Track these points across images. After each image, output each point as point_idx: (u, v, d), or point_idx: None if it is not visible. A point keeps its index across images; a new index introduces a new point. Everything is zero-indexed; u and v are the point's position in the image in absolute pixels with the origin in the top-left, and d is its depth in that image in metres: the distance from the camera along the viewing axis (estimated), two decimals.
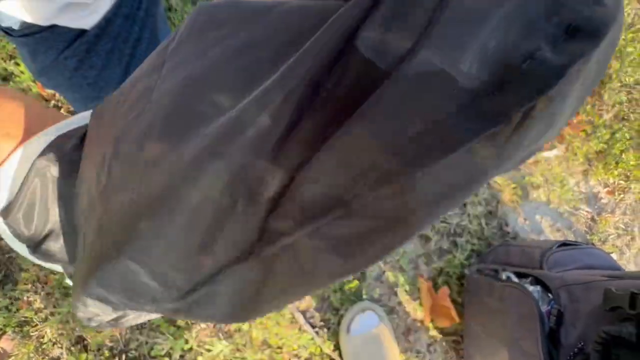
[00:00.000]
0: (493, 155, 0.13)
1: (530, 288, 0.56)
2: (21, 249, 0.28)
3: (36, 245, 0.28)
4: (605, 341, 0.45)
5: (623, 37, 0.87)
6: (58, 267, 0.31)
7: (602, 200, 0.85)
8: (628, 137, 0.84)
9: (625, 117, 0.86)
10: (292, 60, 0.14)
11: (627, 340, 0.43)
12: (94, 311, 0.27)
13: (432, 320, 0.78)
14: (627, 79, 0.86)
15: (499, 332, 0.62)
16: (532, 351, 0.53)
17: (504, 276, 0.62)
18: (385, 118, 0.13)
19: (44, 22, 0.42)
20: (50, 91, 0.79)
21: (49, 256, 0.29)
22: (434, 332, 0.79)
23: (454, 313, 0.75)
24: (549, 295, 0.56)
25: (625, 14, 0.87)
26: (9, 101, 0.24)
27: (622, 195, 0.84)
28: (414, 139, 0.12)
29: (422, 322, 0.79)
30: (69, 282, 0.29)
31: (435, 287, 0.79)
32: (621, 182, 0.84)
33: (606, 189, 0.85)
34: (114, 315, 0.31)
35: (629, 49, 0.86)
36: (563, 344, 0.52)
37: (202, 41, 0.17)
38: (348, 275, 0.15)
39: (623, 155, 0.83)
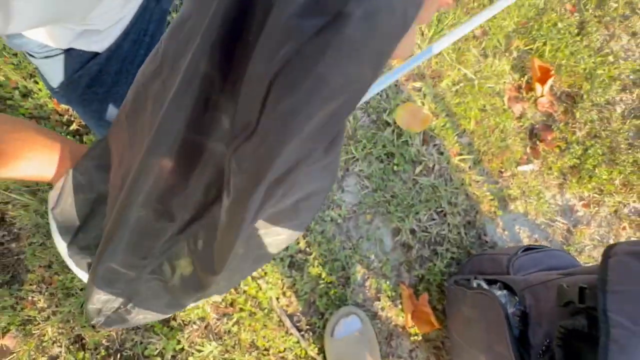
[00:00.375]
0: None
1: (498, 293, 0.60)
2: (61, 248, 0.35)
3: (73, 236, 0.35)
4: (564, 336, 0.49)
5: (593, 60, 0.93)
6: (84, 275, 0.37)
7: (578, 213, 0.89)
8: (600, 153, 0.89)
9: (597, 135, 0.91)
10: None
11: (582, 332, 0.47)
12: (104, 298, 0.33)
13: (413, 326, 0.81)
14: (598, 99, 0.91)
15: (475, 339, 0.65)
16: (505, 354, 0.57)
17: (475, 284, 0.66)
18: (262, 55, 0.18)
19: (63, 46, 0.50)
20: (64, 106, 0.87)
21: (83, 248, 0.36)
22: (415, 338, 0.81)
23: (433, 319, 0.79)
24: (516, 297, 0.60)
25: (595, 39, 0.94)
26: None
27: (597, 208, 0.88)
28: (280, 59, 0.17)
29: (403, 327, 0.82)
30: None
31: (417, 293, 0.82)
32: (596, 195, 0.88)
33: (582, 202, 0.89)
34: (119, 302, 0.36)
35: (599, 72, 0.92)
36: (532, 344, 0.55)
37: None
38: (254, 190, 0.20)
39: (596, 170, 0.88)
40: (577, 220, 0.88)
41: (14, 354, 0.79)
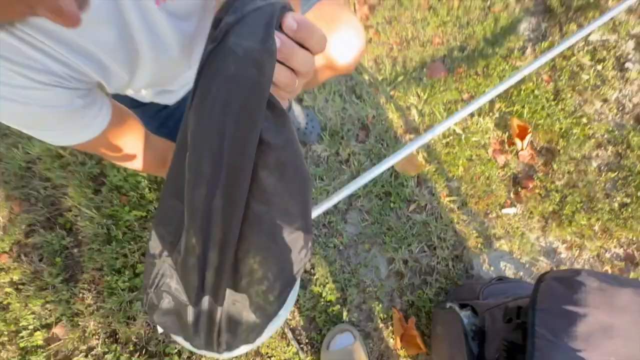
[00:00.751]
0: None
1: (462, 313, 0.70)
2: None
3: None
4: (507, 348, 0.58)
5: (568, 121, 1.07)
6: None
7: (561, 255, 0.97)
8: (578, 201, 0.98)
9: (575, 185, 1.01)
10: None
11: (518, 345, 0.56)
12: (155, 248, 0.49)
13: (402, 348, 0.88)
14: (574, 154, 1.04)
15: (444, 355, 0.73)
16: None
17: (448, 306, 0.76)
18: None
19: (147, 100, 0.73)
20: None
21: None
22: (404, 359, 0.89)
23: (420, 342, 0.86)
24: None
25: (569, 104, 1.09)
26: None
27: (579, 251, 0.96)
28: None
29: (394, 349, 0.89)
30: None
31: (406, 318, 0.91)
32: (577, 239, 0.97)
33: (564, 245, 0.97)
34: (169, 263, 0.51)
35: (574, 130, 1.05)
36: (487, 359, 0.63)
37: None
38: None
39: (575, 216, 0.97)
40: (560, 261, 0.96)
41: (61, 341, 0.95)
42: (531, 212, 0.99)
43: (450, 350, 0.68)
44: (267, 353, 0.89)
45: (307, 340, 0.91)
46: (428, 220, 1.00)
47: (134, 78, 0.50)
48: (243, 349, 0.57)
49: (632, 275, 0.93)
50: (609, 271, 0.92)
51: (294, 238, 0.46)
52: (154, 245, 0.49)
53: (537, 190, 1.01)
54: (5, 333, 0.95)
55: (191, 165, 0.38)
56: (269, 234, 0.44)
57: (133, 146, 0.56)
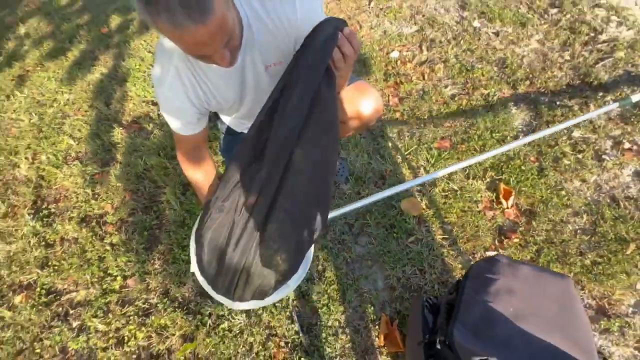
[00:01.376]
0: None
1: (425, 296, 0.90)
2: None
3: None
4: (447, 308, 0.79)
5: (550, 191, 1.30)
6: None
7: None
8: (554, 254, 1.15)
9: (552, 242, 1.19)
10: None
11: (454, 304, 0.77)
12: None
13: (384, 345, 1.05)
14: (553, 217, 1.24)
15: (409, 330, 0.91)
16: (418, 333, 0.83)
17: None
18: None
19: (237, 130, 1.19)
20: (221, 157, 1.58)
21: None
22: (385, 358, 1.04)
23: (399, 341, 1.03)
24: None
25: (551, 180, 1.33)
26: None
27: None
28: None
29: (378, 347, 1.06)
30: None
31: (392, 321, 1.09)
32: None
33: None
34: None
35: (554, 200, 1.27)
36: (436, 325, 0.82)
37: None
38: None
39: (550, 265, 1.13)
40: None
41: (130, 289, 1.27)
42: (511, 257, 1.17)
43: (413, 323, 0.87)
44: (273, 325, 1.11)
45: (307, 325, 1.12)
46: (422, 251, 1.23)
47: (236, 112, 0.95)
48: (252, 304, 0.84)
49: (603, 325, 1.02)
50: None
51: (312, 217, 0.76)
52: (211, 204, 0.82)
53: (517, 241, 1.21)
54: (97, 276, 1.31)
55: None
56: (295, 207, 0.74)
57: (191, 148, 0.96)
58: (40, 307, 1.25)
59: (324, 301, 1.16)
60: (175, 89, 0.80)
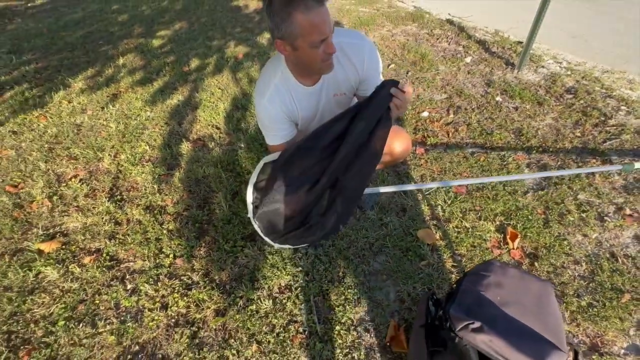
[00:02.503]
0: None
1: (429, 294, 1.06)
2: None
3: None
4: (447, 296, 0.96)
5: (553, 240, 1.45)
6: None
7: None
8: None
9: (551, 282, 1.32)
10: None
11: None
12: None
13: (390, 345, 1.18)
14: (554, 262, 1.38)
15: (415, 324, 1.05)
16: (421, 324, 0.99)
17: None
18: None
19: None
20: None
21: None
22: (389, 356, 1.16)
23: (404, 343, 1.16)
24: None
25: (555, 231, 1.49)
26: None
27: None
28: None
29: (383, 347, 1.19)
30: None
31: (399, 327, 1.22)
32: None
33: None
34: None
35: (557, 247, 1.42)
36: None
37: None
38: None
39: None
40: None
41: (177, 267, 1.50)
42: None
43: (418, 312, 1.02)
44: (295, 314, 1.28)
45: (324, 318, 1.27)
46: (432, 273, 1.39)
47: (305, 129, 1.26)
48: (286, 246, 1.11)
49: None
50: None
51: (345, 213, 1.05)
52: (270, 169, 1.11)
53: None
54: (152, 252, 1.56)
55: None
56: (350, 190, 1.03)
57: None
58: (103, 269, 1.50)
59: (341, 301, 1.32)
60: (273, 101, 1.11)
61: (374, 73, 1.15)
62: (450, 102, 2.38)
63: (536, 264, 1.38)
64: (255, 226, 1.14)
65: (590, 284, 1.31)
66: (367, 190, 1.48)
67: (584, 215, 1.56)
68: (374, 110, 0.99)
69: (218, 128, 2.37)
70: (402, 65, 2.86)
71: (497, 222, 1.56)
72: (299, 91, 1.13)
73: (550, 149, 1.93)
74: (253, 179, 1.15)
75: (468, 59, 2.86)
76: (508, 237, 1.47)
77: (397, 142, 1.33)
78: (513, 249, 1.44)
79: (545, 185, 1.73)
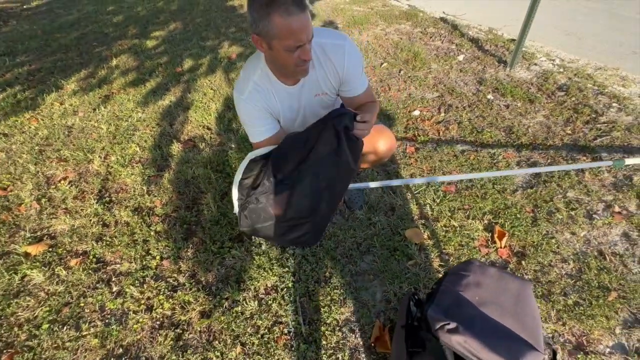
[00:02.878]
0: None
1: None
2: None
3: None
4: (427, 296, 0.95)
5: (541, 238, 1.44)
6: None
7: None
8: (539, 290, 1.27)
9: (538, 280, 1.31)
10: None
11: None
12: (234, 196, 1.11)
13: (375, 346, 1.17)
14: (541, 260, 1.37)
15: (397, 325, 1.04)
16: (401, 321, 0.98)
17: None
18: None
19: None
20: None
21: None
22: (373, 357, 1.15)
23: (388, 343, 1.15)
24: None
25: (543, 230, 1.48)
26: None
27: None
28: None
29: (368, 347, 1.18)
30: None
31: (384, 327, 1.22)
32: None
33: None
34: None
35: (544, 246, 1.41)
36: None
37: None
38: None
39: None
40: None
41: (163, 268, 1.49)
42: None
43: (400, 313, 1.01)
44: (280, 315, 1.27)
45: (310, 319, 1.27)
46: (419, 273, 1.38)
47: (288, 128, 1.25)
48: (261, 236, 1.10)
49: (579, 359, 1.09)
50: (560, 351, 1.11)
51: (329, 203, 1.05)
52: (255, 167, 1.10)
53: None
54: (139, 254, 1.55)
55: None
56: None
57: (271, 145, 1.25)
58: (89, 272, 1.49)
59: (327, 302, 1.31)
60: (252, 98, 1.10)
61: (354, 73, 1.14)
62: (441, 101, 2.37)
63: (523, 262, 1.38)
64: (241, 221, 1.12)
65: (577, 283, 1.30)
66: (354, 186, 1.48)
67: (572, 213, 1.55)
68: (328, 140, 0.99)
69: (209, 129, 2.37)
70: (394, 64, 2.85)
71: (486, 221, 1.55)
72: (280, 89, 1.12)
73: (541, 147, 1.92)
74: (238, 177, 1.14)
75: (461, 57, 2.86)
76: (496, 235, 1.47)
77: (382, 141, 1.32)
78: (501, 247, 1.44)
79: (535, 183, 1.72)
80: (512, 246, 1.45)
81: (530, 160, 1.85)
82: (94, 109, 2.70)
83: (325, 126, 0.99)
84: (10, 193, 1.95)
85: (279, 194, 1.03)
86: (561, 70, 2.58)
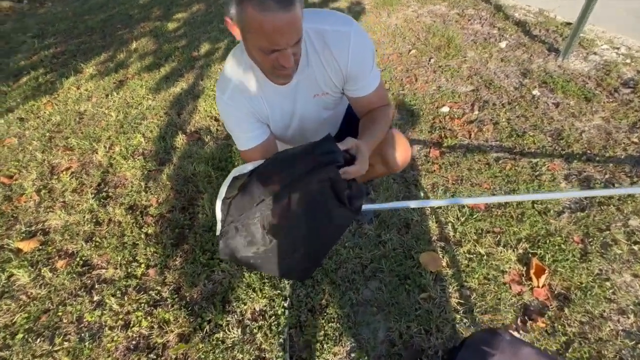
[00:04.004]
0: None
1: None
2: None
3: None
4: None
5: (592, 279, 1.16)
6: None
7: None
8: (586, 352, 1.00)
9: (585, 337, 1.04)
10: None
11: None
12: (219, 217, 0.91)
13: None
14: (591, 309, 1.09)
15: None
16: None
17: None
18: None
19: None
20: None
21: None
22: None
23: None
24: None
25: (595, 267, 1.19)
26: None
27: None
28: None
29: None
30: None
31: None
32: None
33: None
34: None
35: (596, 290, 1.13)
36: None
37: None
38: None
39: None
40: None
41: (149, 278, 1.37)
42: (533, 343, 1.05)
43: None
44: (265, 349, 1.11)
45: (297, 357, 1.09)
46: (433, 310, 1.16)
47: (282, 134, 1.04)
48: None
49: None
50: None
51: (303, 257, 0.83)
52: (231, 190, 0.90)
53: (544, 326, 1.08)
54: (126, 259, 1.44)
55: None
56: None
57: (261, 156, 1.05)
58: (74, 275, 1.41)
59: (319, 337, 1.13)
60: (235, 98, 0.90)
61: (363, 69, 0.90)
62: (476, 96, 2.05)
63: (566, 310, 1.11)
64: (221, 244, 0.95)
65: (638, 344, 1.02)
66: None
67: (635, 247, 1.24)
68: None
69: (217, 120, 2.21)
70: (424, 51, 2.52)
71: (520, 250, 1.28)
72: (269, 89, 0.91)
73: (597, 158, 1.58)
74: (222, 194, 0.97)
75: (503, 44, 2.47)
76: (532, 270, 1.20)
77: (396, 152, 1.08)
78: (537, 286, 1.17)
79: (587, 204, 1.40)
80: (552, 286, 1.18)
81: (582, 174, 1.52)
82: (107, 95, 2.64)
83: (310, 179, 0.76)
84: (14, 182, 1.92)
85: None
86: (628, 61, 2.14)
